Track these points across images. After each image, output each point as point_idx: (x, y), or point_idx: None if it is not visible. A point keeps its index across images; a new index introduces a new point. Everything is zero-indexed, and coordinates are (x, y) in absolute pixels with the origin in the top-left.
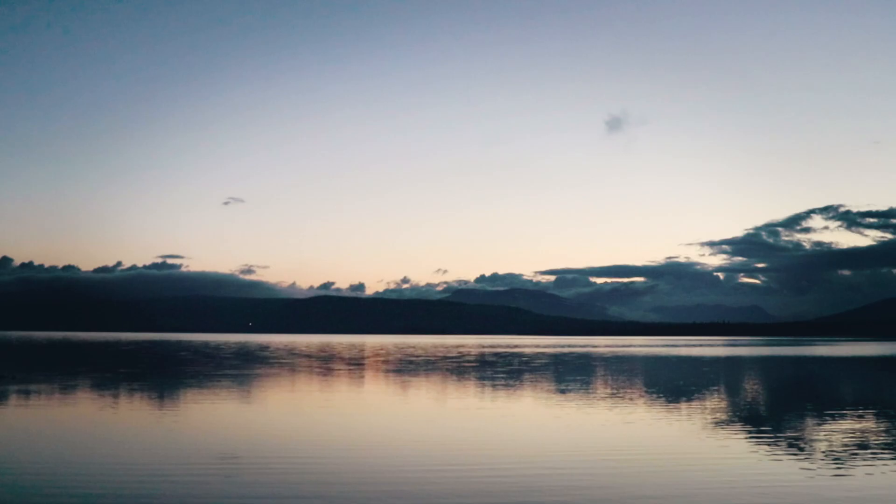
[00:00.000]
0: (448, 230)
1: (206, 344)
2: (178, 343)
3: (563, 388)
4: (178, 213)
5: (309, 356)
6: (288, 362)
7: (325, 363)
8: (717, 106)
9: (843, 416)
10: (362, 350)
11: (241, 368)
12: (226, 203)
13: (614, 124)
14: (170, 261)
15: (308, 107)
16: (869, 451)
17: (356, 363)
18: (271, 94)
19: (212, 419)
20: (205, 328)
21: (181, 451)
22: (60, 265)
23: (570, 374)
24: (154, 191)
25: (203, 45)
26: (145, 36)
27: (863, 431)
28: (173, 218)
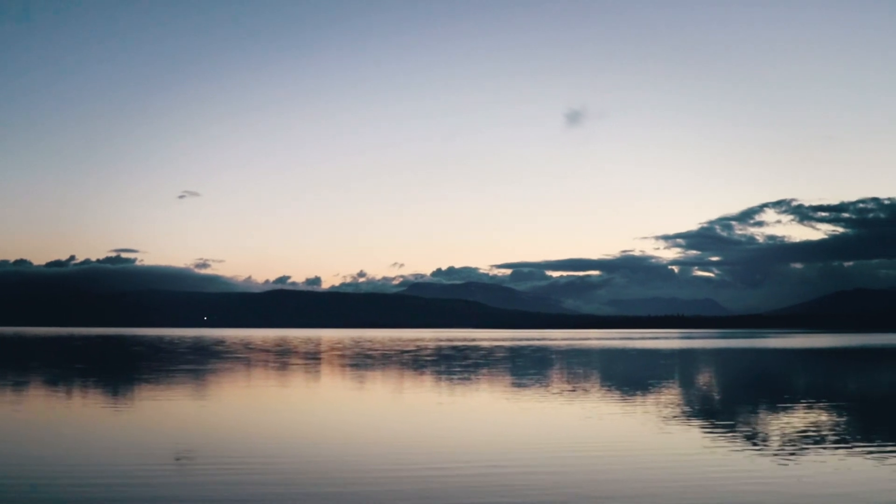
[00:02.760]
0: (404, 224)
1: (160, 338)
2: (133, 338)
3: (524, 381)
4: (132, 206)
5: (265, 350)
6: (244, 357)
7: (281, 358)
8: (674, 101)
9: (795, 407)
10: (319, 344)
11: (197, 363)
12: (181, 196)
13: (574, 118)
14: (124, 255)
15: (264, 101)
16: (820, 440)
17: (313, 357)
18: (227, 88)
19: (166, 417)
20: (160, 323)
21: (135, 450)
22: (12, 259)
23: (529, 367)
24: (108, 184)
25: (158, 39)
26: (97, 30)
27: (814, 422)
28: (128, 211)
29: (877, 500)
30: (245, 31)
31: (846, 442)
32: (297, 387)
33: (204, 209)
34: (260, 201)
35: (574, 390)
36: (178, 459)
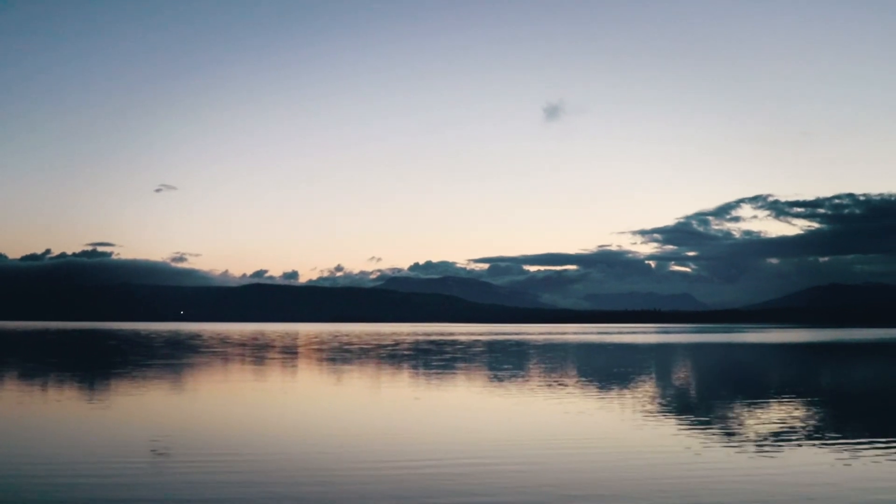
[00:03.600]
0: (382, 218)
1: (136, 333)
2: (108, 332)
3: (501, 376)
4: (109, 200)
5: (242, 345)
6: (221, 351)
7: (259, 352)
8: (652, 97)
9: (771, 403)
10: (296, 338)
11: (173, 358)
12: (158, 190)
13: (552, 113)
14: (100, 248)
15: (242, 96)
16: (797, 435)
17: (290, 352)
18: (205, 82)
19: (142, 412)
20: (136, 317)
21: (109, 447)
22: None
23: (507, 362)
24: (85, 177)
25: (135, 35)
26: (74, 25)
27: (791, 417)
28: (104, 205)
29: (852, 495)
30: (222, 27)
31: (822, 437)
32: (274, 381)
33: (181, 203)
34: (237, 195)
35: (552, 385)
36: (154, 456)
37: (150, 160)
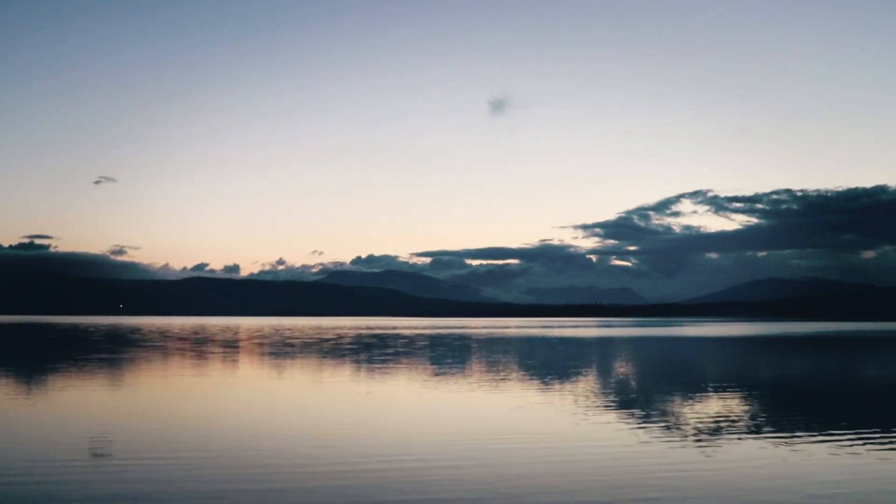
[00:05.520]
0: (324, 212)
1: (75, 327)
2: (47, 326)
3: (446, 371)
4: (46, 191)
5: (183, 339)
6: (161, 345)
7: (200, 346)
8: (595, 92)
9: (711, 396)
10: (238, 332)
11: (113, 352)
12: (97, 182)
13: (497, 106)
14: (38, 241)
15: (183, 86)
16: (736, 427)
17: (232, 346)
18: (145, 71)
19: (80, 409)
20: (74, 310)
21: (46, 444)
22: None
23: (451, 356)
24: (21, 168)
25: (74, 22)
26: (7, 13)
27: (730, 409)
28: (41, 196)
29: (789, 486)
30: (162, 17)
31: (760, 430)
32: (215, 376)
33: (120, 195)
34: (178, 188)
35: (497, 380)
36: (93, 456)
37: (89, 151)
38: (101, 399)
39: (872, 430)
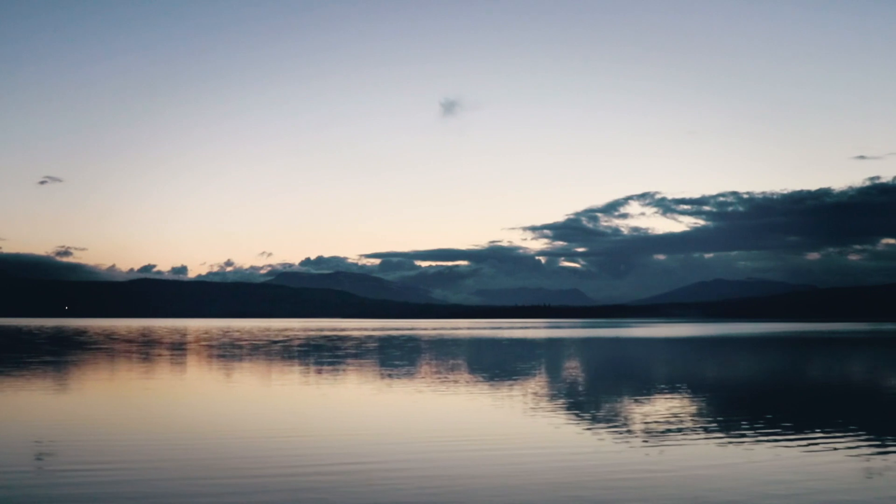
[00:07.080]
0: (273, 213)
1: (19, 329)
2: None
3: (396, 373)
4: None
5: (130, 341)
6: (108, 348)
7: (147, 348)
8: (546, 94)
9: (659, 396)
10: (185, 334)
11: (58, 355)
12: (42, 182)
13: (449, 108)
14: None
15: (130, 86)
16: (684, 428)
17: (180, 348)
18: (91, 71)
19: (23, 413)
20: (18, 312)
21: None
22: None
23: (401, 357)
24: None
25: (20, 19)
26: None
27: (678, 410)
28: None
29: (736, 486)
30: (109, 19)
31: (706, 430)
32: (163, 380)
33: (66, 195)
34: (125, 188)
35: (446, 381)
36: (37, 461)
37: (34, 151)
38: (45, 403)
39: (815, 430)
